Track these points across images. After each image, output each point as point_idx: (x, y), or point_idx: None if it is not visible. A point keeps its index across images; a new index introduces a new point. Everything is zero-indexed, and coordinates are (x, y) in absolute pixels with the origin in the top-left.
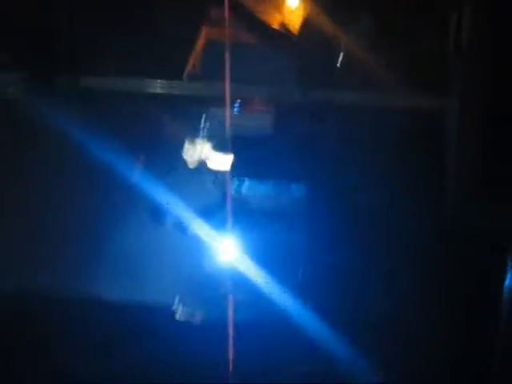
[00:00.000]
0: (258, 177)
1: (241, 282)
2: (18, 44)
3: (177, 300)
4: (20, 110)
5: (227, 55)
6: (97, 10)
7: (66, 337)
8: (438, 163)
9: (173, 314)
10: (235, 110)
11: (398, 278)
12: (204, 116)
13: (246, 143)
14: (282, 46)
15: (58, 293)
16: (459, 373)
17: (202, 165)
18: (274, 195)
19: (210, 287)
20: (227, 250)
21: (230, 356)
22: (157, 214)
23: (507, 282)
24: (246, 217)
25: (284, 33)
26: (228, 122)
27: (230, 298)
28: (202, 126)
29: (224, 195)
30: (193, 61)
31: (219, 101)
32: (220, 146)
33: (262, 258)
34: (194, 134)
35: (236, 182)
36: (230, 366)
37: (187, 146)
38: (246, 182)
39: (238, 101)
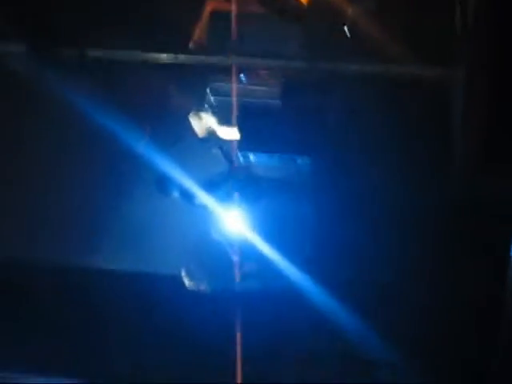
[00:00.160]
0: (264, 147)
1: (248, 252)
2: (19, 14)
3: (184, 270)
4: (23, 81)
5: (233, 26)
6: None
7: (72, 307)
8: (444, 136)
9: (180, 284)
10: (241, 81)
11: (406, 251)
12: (210, 87)
13: (253, 114)
14: (290, 17)
15: (63, 264)
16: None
17: (209, 135)
18: (281, 166)
19: (216, 257)
20: (234, 221)
21: (237, 327)
22: (163, 184)
23: None
24: (252, 187)
25: (293, 3)
26: (234, 93)
27: (237, 268)
28: (208, 96)
29: (231, 165)
30: (199, 32)
31: (225, 72)
32: (226, 117)
33: (269, 228)
34: (200, 104)
35: (243, 153)
36: (237, 337)
37: (194, 116)
38: (253, 153)
39: (244, 72)
